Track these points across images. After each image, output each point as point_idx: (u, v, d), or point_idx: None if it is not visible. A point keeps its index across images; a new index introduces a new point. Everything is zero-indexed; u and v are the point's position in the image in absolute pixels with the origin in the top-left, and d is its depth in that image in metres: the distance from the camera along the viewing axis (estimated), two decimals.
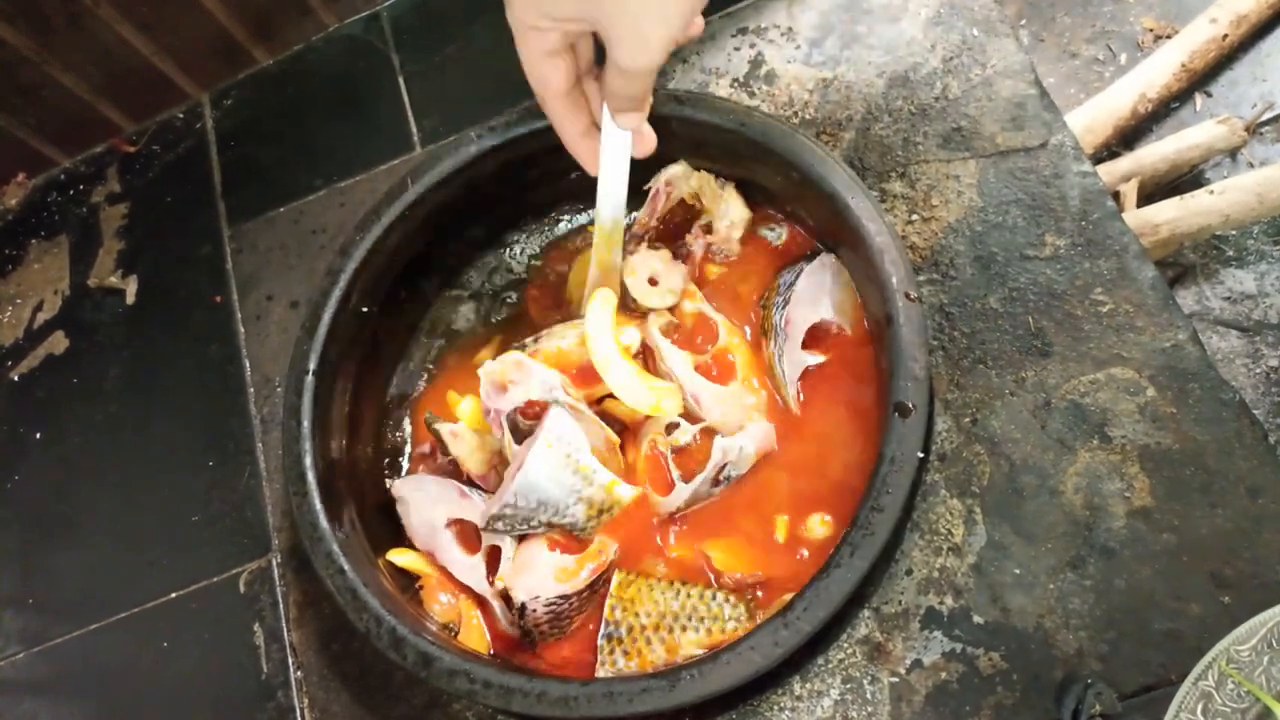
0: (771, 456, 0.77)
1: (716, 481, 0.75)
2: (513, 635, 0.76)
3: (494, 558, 0.76)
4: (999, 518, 0.71)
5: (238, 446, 0.95)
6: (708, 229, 0.84)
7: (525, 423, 0.76)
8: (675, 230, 0.86)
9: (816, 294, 0.78)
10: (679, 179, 0.84)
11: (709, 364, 0.79)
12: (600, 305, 0.77)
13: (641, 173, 0.84)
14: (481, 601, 0.77)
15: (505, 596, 0.74)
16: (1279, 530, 0.66)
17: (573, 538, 0.75)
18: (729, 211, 0.82)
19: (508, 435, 0.75)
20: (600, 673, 0.71)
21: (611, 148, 0.71)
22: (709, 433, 0.76)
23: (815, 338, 0.78)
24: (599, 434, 0.76)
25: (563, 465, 0.73)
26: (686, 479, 0.75)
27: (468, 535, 0.78)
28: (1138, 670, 0.65)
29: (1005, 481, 0.72)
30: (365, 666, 0.81)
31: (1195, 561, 0.67)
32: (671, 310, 0.81)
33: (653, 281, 0.81)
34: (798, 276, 0.79)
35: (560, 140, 0.71)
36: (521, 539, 0.75)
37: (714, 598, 0.71)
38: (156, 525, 0.95)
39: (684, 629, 0.70)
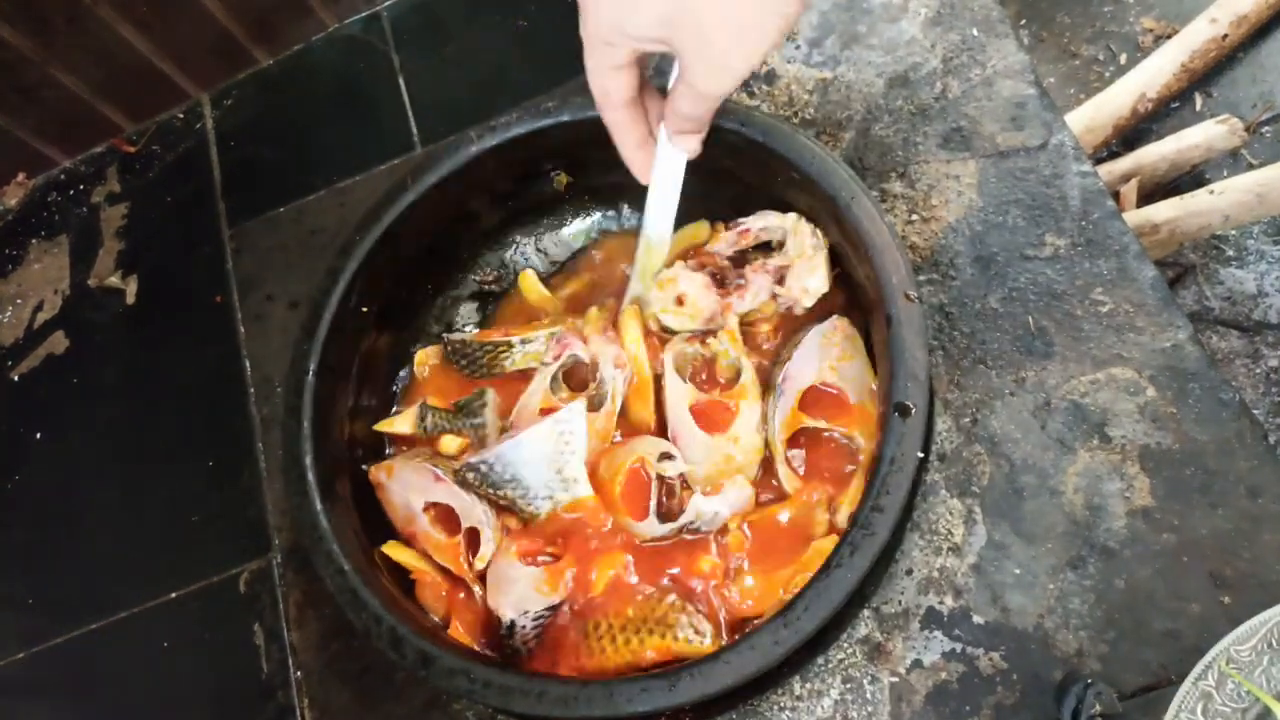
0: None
1: (687, 531, 0.73)
2: (496, 633, 0.74)
3: (472, 540, 0.75)
4: (999, 518, 0.71)
5: (238, 446, 0.94)
6: (780, 279, 0.77)
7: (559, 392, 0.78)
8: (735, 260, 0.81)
9: (820, 356, 0.74)
10: (774, 231, 0.78)
11: (709, 405, 0.74)
12: (631, 317, 0.77)
13: (741, 204, 0.80)
14: (461, 584, 0.76)
15: (483, 578, 0.74)
16: (1279, 530, 0.66)
17: (540, 548, 0.74)
18: (810, 278, 0.76)
19: (548, 373, 0.77)
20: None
21: (665, 163, 0.70)
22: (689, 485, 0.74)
23: (820, 403, 0.74)
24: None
25: (551, 459, 0.73)
26: (661, 512, 0.73)
27: (445, 518, 0.77)
28: (1138, 670, 0.65)
29: (1005, 481, 0.72)
30: (365, 666, 0.81)
31: (1195, 561, 0.67)
32: (700, 341, 0.77)
33: (679, 301, 0.77)
34: (806, 336, 0.75)
35: (617, 151, 0.70)
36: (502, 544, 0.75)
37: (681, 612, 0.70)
38: (156, 525, 0.95)
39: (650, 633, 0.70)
